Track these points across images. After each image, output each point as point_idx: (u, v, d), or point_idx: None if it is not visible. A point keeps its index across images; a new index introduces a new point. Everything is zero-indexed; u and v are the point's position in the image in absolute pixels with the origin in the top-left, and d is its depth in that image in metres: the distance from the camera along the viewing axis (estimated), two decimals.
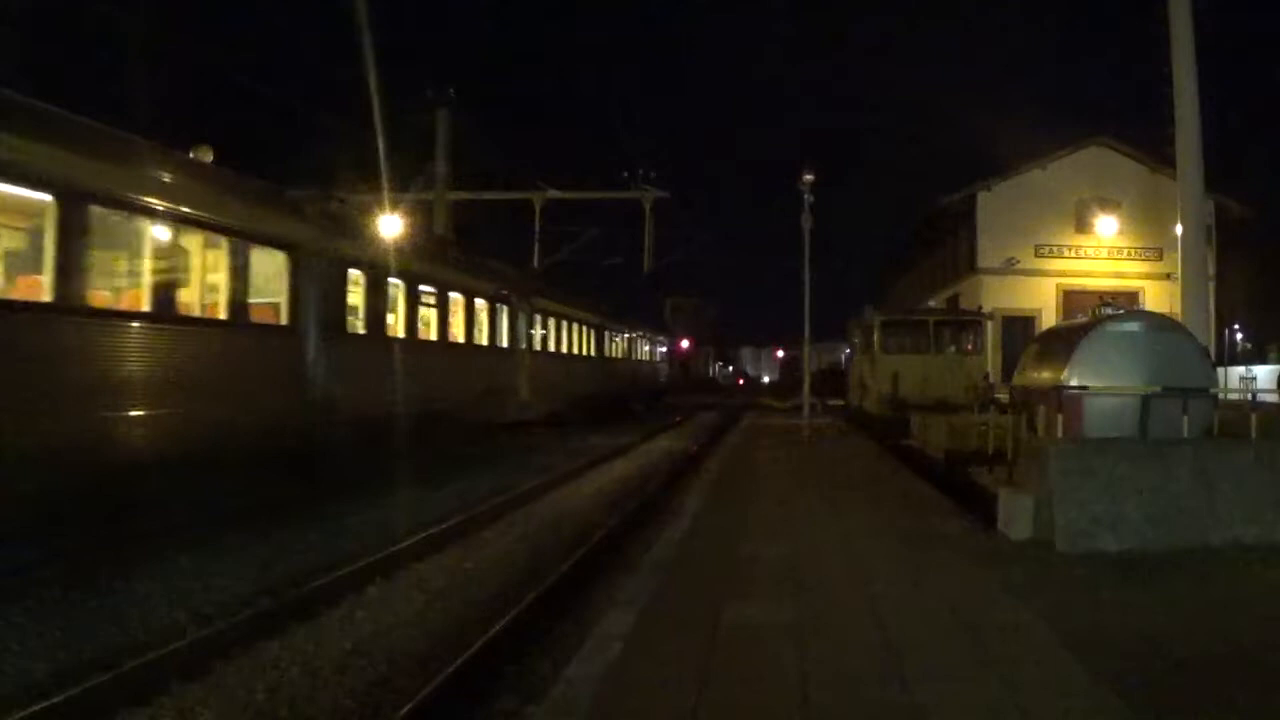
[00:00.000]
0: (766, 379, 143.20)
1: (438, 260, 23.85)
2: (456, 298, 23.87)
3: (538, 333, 31.40)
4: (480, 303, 26.00)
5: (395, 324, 20.30)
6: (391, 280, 19.77)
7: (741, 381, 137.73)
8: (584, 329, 38.38)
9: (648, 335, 57.43)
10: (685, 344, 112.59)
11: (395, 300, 20.23)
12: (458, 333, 24.18)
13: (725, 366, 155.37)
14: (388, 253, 19.64)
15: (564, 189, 41.24)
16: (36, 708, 7.12)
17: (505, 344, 27.93)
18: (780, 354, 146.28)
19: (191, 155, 14.90)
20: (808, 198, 28.81)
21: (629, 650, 7.29)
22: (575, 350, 37.10)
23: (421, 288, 21.51)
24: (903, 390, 28.79)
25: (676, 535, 12.17)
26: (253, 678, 8.30)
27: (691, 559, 10.78)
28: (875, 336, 31.85)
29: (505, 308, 27.77)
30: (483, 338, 26.24)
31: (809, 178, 28.88)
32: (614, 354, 45.66)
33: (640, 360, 54.39)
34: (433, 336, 22.50)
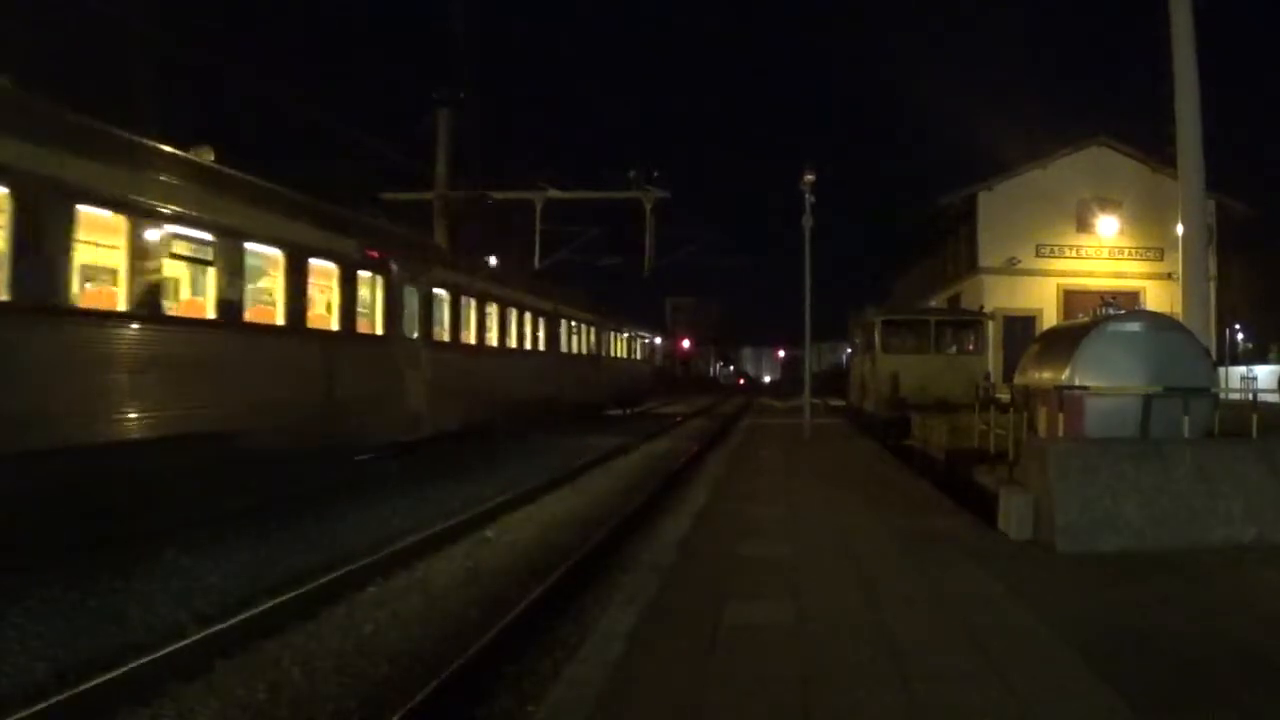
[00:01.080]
0: (768, 379, 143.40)
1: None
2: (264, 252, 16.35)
3: (442, 316, 23.31)
4: (322, 266, 17.97)
5: None
6: None
7: (742, 381, 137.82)
8: (527, 315, 30.54)
9: (627, 329, 50.70)
10: (686, 344, 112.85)
11: None
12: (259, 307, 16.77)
13: (726, 366, 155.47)
14: None
15: (565, 189, 41.21)
16: (38, 707, 7.15)
17: (379, 330, 19.91)
18: (781, 354, 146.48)
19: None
20: (809, 198, 28.70)
21: (630, 649, 7.33)
22: (513, 343, 29.16)
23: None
24: (903, 390, 28.75)
25: (676, 536, 12.18)
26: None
27: (691, 560, 10.78)
28: (876, 336, 31.82)
29: (378, 278, 19.91)
30: (329, 317, 18.39)
31: (810, 178, 28.78)
32: (575, 349, 38.20)
33: (616, 358, 47.19)
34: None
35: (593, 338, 41.60)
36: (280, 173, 18.19)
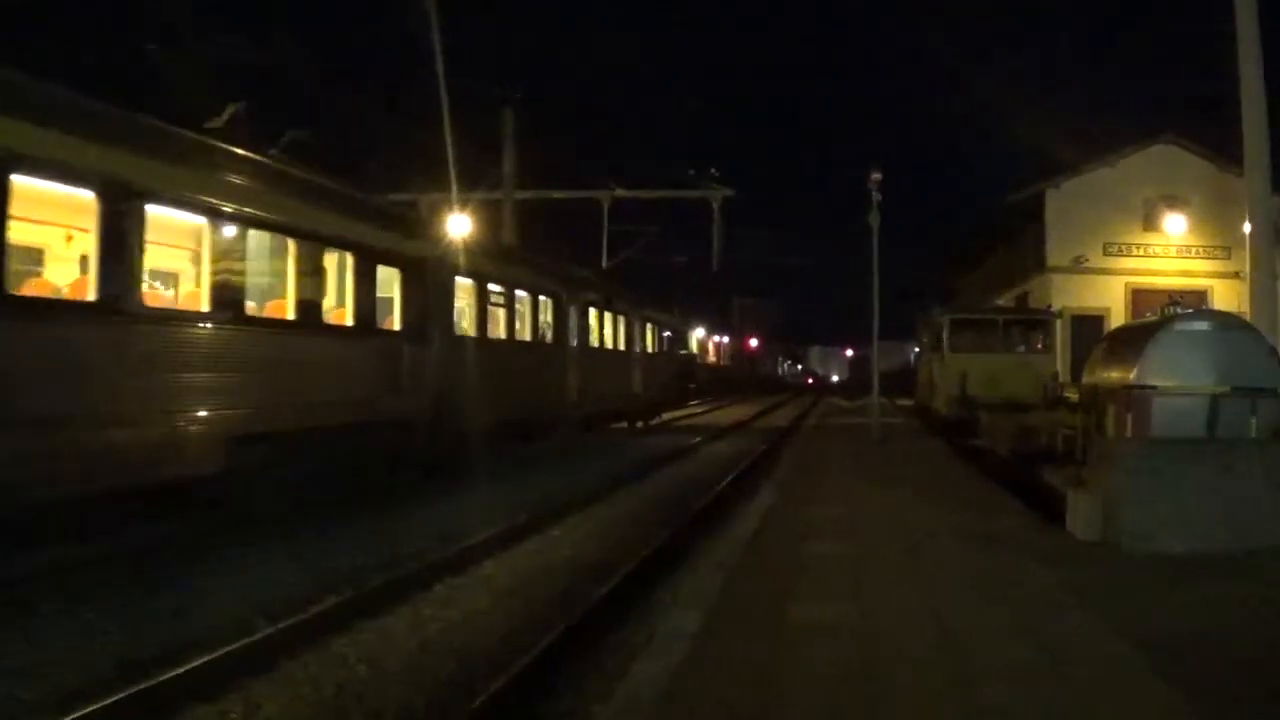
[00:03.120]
0: (835, 378, 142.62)
1: None
2: None
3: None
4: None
5: None
6: None
7: (810, 381, 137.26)
8: (493, 295, 22.32)
9: (650, 317, 37.66)
10: (753, 343, 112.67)
11: None
12: None
13: (794, 365, 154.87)
14: None
15: (631, 188, 41.42)
16: (105, 702, 7.29)
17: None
18: (849, 353, 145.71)
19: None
20: (875, 196, 28.66)
21: (697, 645, 7.49)
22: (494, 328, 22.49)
23: None
24: (971, 389, 28.68)
25: (745, 534, 12.37)
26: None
27: (757, 557, 10.98)
28: (944, 335, 31.76)
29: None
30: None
31: (877, 176, 28.72)
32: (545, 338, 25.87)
33: (641, 353, 35.54)
34: None
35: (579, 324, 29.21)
36: (344, 171, 18.97)
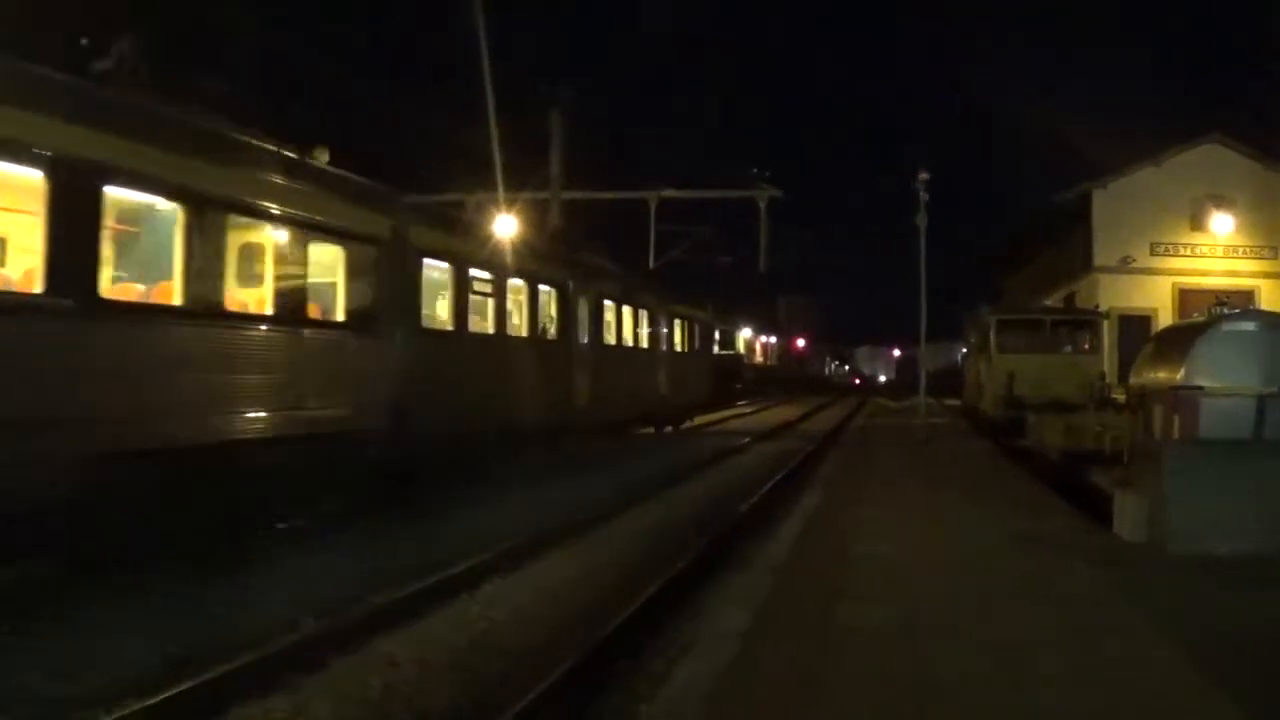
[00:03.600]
0: (882, 378, 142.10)
1: None
2: None
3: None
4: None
5: None
6: None
7: (858, 381, 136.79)
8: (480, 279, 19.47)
9: (680, 313, 34.60)
10: (800, 343, 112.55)
11: None
12: None
13: (841, 366, 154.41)
14: None
15: (678, 188, 41.50)
16: (153, 700, 7.31)
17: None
18: (896, 353, 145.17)
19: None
20: (923, 196, 28.62)
21: (744, 648, 7.53)
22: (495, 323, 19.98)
23: None
24: (1019, 390, 28.60)
25: (791, 533, 12.44)
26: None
27: (805, 557, 11.06)
28: (991, 335, 31.69)
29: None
30: None
31: (924, 176, 28.67)
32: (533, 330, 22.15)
33: (669, 352, 33.02)
34: None
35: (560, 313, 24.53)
36: (391, 173, 19.27)
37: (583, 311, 24.65)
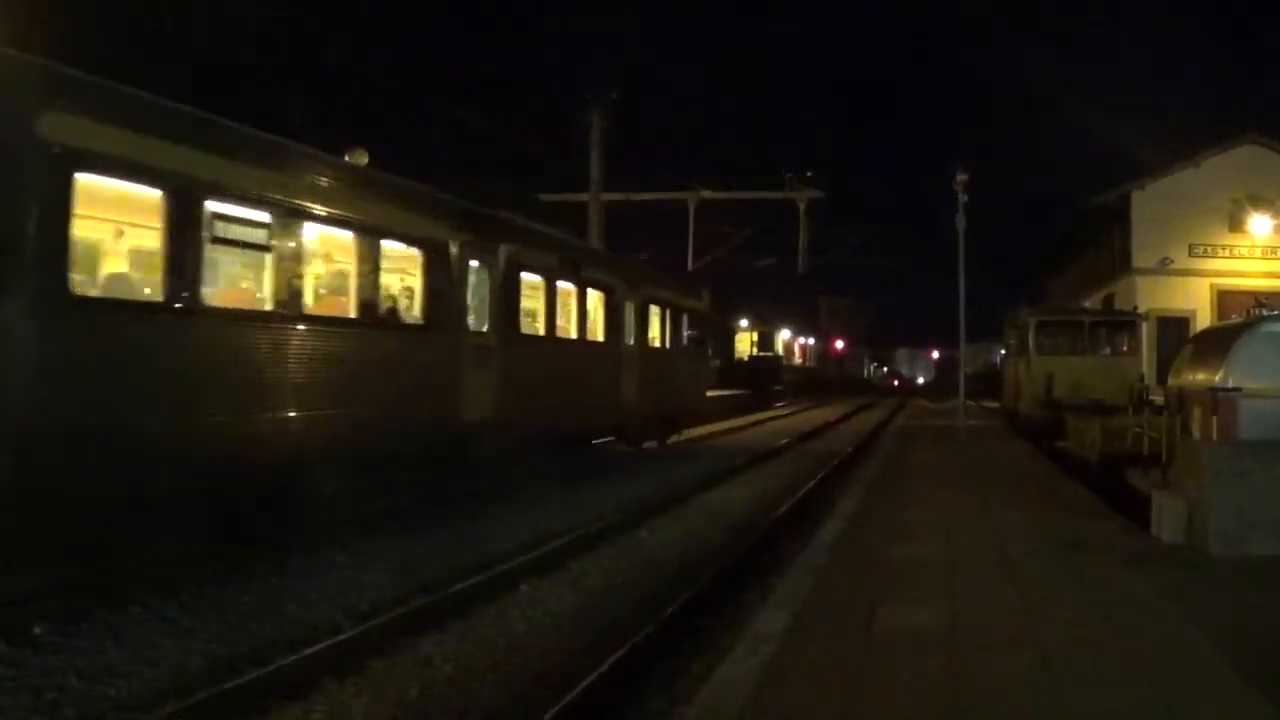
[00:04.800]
0: (921, 380, 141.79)
1: None
2: None
3: None
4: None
5: None
6: None
7: (896, 383, 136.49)
8: None
9: (659, 299, 27.29)
10: (840, 344, 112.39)
11: None
12: None
13: (880, 367, 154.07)
14: None
15: (719, 189, 41.64)
16: (191, 701, 7.44)
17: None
18: (935, 354, 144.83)
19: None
20: (962, 197, 28.55)
21: (782, 650, 7.53)
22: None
23: None
24: (1057, 391, 28.56)
25: (830, 535, 12.52)
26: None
27: (844, 558, 11.09)
28: (1030, 337, 31.64)
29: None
30: None
31: (963, 177, 28.61)
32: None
33: (640, 348, 25.54)
34: None
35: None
36: (433, 174, 19.30)
37: (484, 286, 17.68)
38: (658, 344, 27.04)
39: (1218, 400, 13.84)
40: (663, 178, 41.84)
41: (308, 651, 8.71)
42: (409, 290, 16.11)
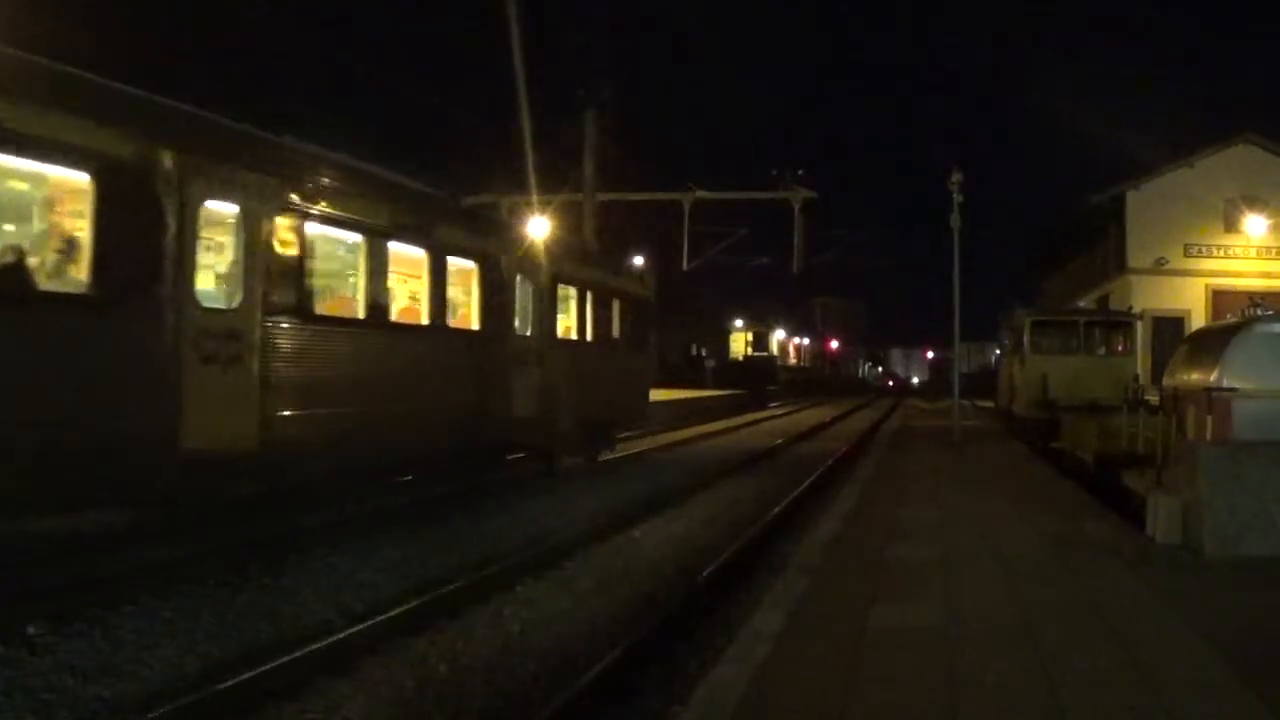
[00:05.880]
0: (916, 380, 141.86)
1: None
2: None
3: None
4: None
5: None
6: None
7: (891, 383, 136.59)
8: None
9: (571, 276, 21.75)
10: (834, 344, 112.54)
11: None
12: None
13: (875, 367, 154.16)
14: None
15: (712, 189, 41.59)
16: (186, 701, 7.42)
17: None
18: (930, 355, 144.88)
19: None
20: (956, 197, 28.52)
21: (777, 649, 7.53)
22: None
23: None
24: (1052, 391, 28.51)
25: (825, 536, 12.51)
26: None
27: (839, 559, 11.08)
28: (1025, 337, 31.60)
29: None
30: None
31: (958, 177, 28.59)
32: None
33: (536, 338, 19.55)
34: None
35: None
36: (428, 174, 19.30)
37: (271, 251, 12.29)
38: (575, 335, 21.88)
39: (1213, 400, 13.83)
40: (660, 177, 41.83)
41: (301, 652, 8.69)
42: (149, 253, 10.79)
